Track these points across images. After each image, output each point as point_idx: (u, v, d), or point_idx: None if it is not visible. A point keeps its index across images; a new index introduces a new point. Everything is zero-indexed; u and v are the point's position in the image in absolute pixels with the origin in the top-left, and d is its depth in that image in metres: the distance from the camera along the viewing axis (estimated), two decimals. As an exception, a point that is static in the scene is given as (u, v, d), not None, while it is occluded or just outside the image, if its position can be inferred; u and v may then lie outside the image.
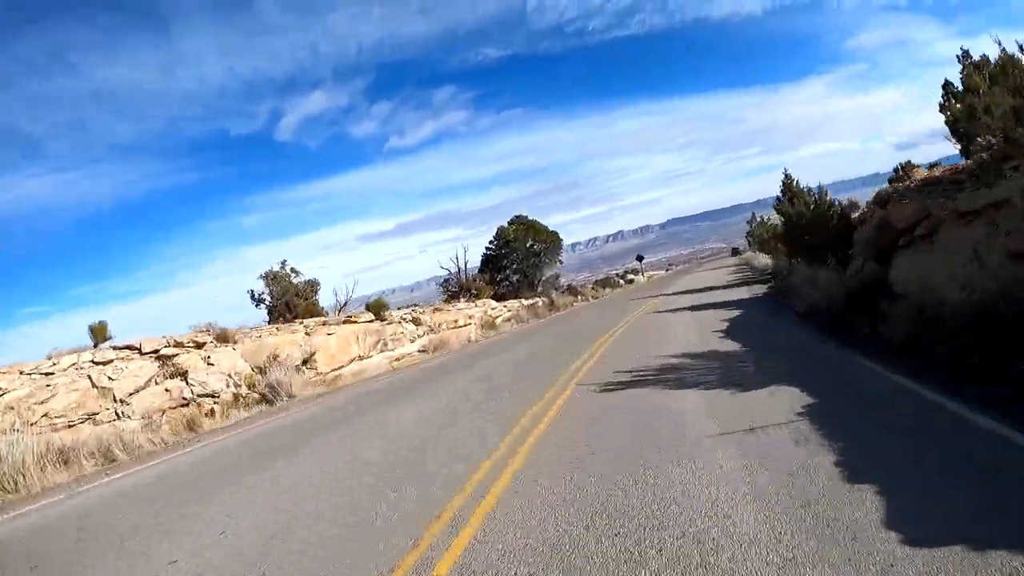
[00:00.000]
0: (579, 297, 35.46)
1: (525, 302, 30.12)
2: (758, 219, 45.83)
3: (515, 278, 34.21)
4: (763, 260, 30.01)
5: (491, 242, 34.30)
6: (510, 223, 34.13)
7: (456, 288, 29.78)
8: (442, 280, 30.53)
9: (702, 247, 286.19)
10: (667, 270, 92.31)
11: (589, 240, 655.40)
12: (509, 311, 28.24)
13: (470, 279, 29.15)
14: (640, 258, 59.99)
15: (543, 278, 34.06)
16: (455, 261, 30.38)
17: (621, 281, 63.74)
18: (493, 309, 27.02)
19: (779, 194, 26.63)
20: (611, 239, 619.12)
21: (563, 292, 35.30)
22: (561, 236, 34.27)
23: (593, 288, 43.85)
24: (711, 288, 25.18)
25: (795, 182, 26.21)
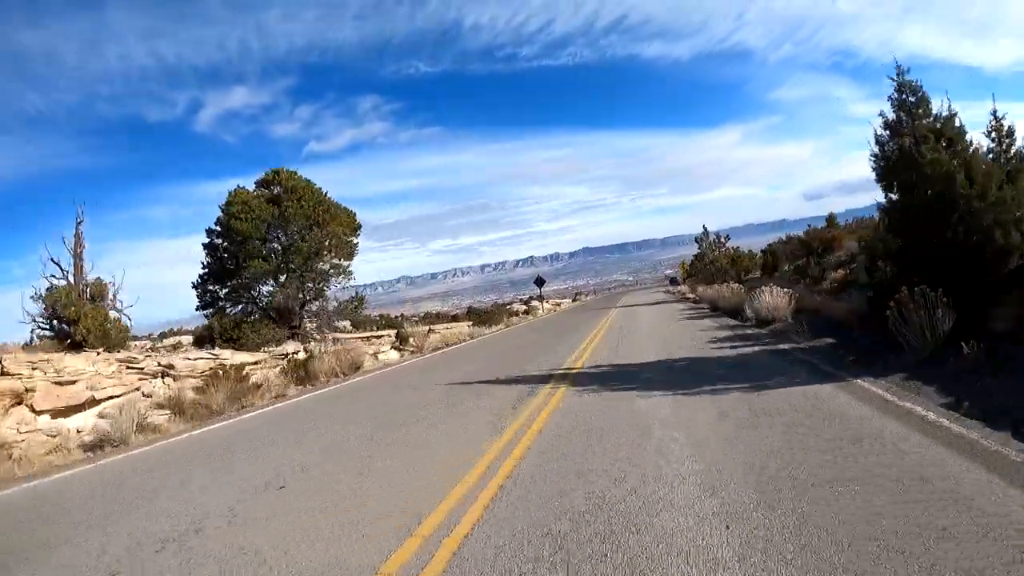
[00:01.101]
0: (406, 346, 18.00)
1: (227, 362, 12.23)
2: (712, 238, 30.74)
3: (268, 301, 16.19)
4: (770, 300, 13.94)
5: (215, 225, 16.15)
6: (260, 184, 16.20)
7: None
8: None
9: (609, 278, 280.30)
10: (574, 299, 77.36)
11: (498, 263, 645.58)
12: (142, 386, 10.35)
13: (79, 306, 10.88)
14: (540, 282, 43.69)
15: (309, 302, 16.41)
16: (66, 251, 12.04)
17: (523, 308, 47.62)
18: (77, 383, 8.95)
19: (880, 137, 10.45)
20: (521, 264, 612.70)
21: (371, 327, 17.61)
22: (359, 219, 16.85)
23: (452, 321, 26.76)
24: (722, 375, 8.56)
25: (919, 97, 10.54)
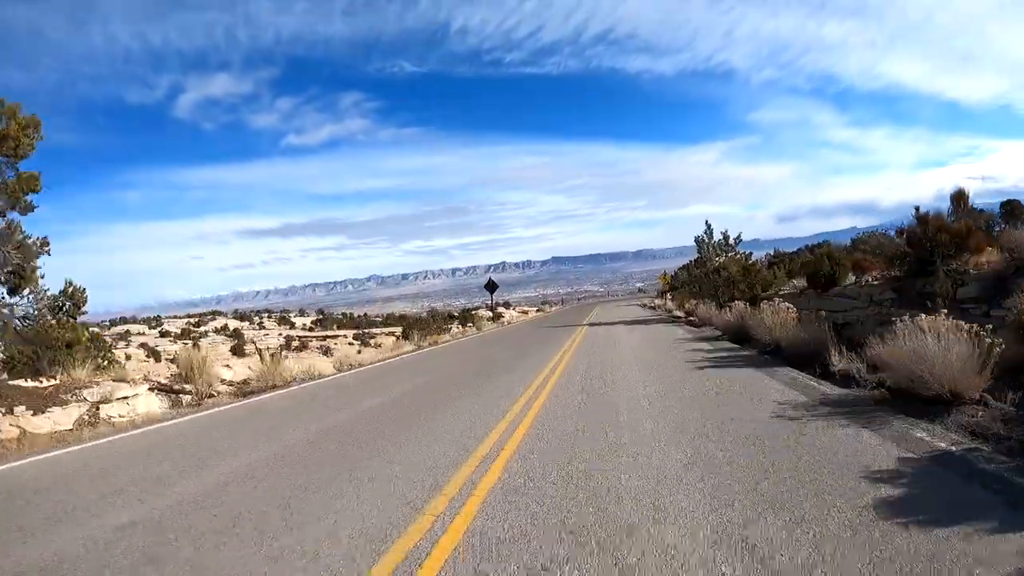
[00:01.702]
0: (195, 383, 9.63)
1: None
2: (717, 239, 22.98)
3: None
4: (936, 349, 5.81)
5: None
6: None
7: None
8: None
9: (580, 288, 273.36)
10: (538, 309, 70.04)
11: (470, 267, 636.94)
12: None
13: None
14: (492, 287, 35.59)
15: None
16: None
17: (484, 314, 39.37)
18: None
19: None
20: (493, 269, 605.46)
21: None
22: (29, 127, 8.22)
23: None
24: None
25: None
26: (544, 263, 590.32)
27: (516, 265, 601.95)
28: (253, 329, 56.73)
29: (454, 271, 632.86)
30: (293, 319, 68.58)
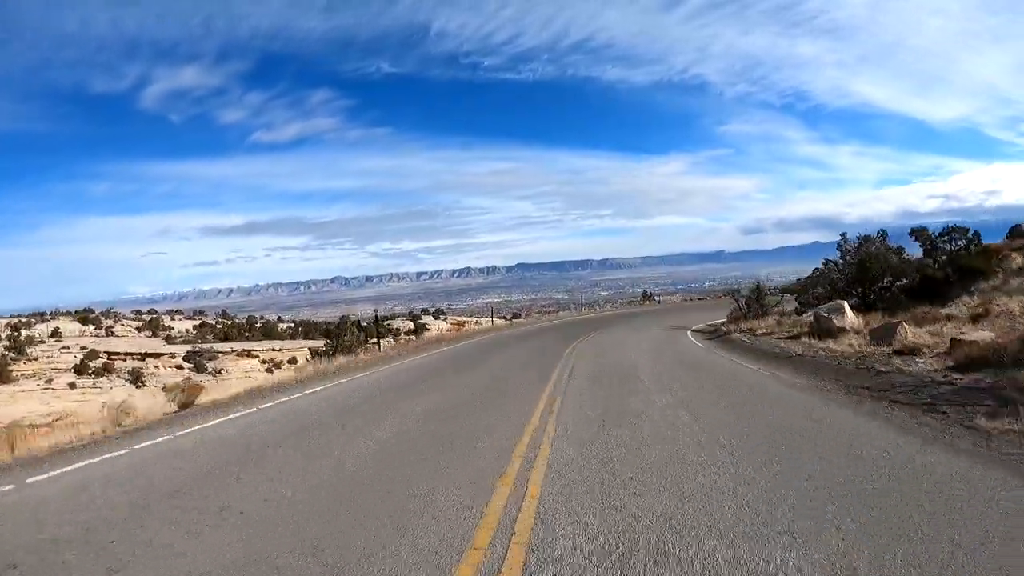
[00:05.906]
0: None
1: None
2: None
3: None
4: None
5: None
6: None
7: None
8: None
9: (545, 295, 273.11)
10: (494, 318, 65.35)
11: (435, 271, 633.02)
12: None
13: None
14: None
15: None
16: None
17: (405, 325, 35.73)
18: None
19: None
20: (457, 274, 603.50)
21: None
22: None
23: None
24: None
25: None
26: (509, 269, 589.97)
27: (481, 270, 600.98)
28: (86, 336, 46.93)
29: (419, 275, 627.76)
30: (171, 323, 56.55)
